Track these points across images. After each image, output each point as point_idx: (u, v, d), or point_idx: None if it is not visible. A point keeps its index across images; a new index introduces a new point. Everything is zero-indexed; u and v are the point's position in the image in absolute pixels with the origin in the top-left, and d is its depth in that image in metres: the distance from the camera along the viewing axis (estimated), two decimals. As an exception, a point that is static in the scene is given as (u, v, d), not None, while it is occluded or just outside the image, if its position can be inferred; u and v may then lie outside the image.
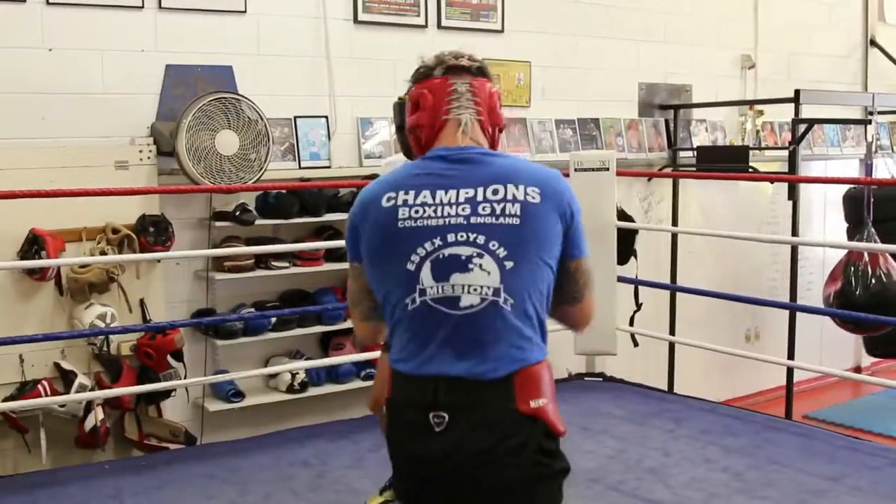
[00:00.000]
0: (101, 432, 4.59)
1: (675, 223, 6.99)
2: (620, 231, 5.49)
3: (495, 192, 2.06)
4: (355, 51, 5.64)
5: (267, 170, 5.00)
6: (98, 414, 4.57)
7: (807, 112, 6.51)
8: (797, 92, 6.37)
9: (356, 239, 2.18)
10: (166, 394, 4.90)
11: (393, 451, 2.20)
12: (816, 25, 8.14)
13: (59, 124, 4.72)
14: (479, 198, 2.06)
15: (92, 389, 4.58)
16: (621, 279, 5.67)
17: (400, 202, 2.09)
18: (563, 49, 6.47)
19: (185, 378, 4.90)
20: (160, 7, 4.97)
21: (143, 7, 4.92)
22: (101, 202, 4.55)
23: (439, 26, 5.96)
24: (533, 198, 2.07)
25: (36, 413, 4.49)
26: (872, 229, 5.97)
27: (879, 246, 5.92)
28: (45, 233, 4.44)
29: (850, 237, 6.68)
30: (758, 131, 7.43)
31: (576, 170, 5.19)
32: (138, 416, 4.87)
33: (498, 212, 2.05)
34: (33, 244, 4.44)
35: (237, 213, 5.05)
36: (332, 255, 5.31)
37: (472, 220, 2.04)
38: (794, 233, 6.51)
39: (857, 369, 8.35)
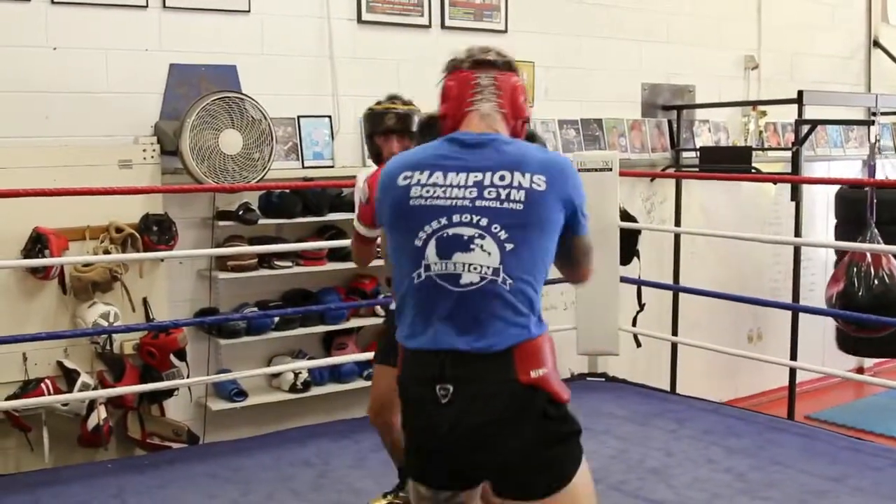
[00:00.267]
0: (104, 431, 4.60)
1: (677, 224, 6.99)
2: (623, 231, 5.49)
3: (502, 177, 2.17)
4: (359, 50, 5.64)
5: (270, 169, 5.00)
6: (101, 413, 4.57)
7: (810, 113, 6.50)
8: (800, 93, 6.37)
9: (379, 211, 2.36)
10: (169, 393, 4.90)
11: (404, 426, 2.30)
12: (819, 26, 8.13)
13: (63, 123, 4.72)
14: (487, 182, 2.17)
15: (95, 388, 4.58)
16: (624, 279, 5.67)
17: (414, 181, 2.22)
18: (567, 49, 6.47)
19: (187, 377, 4.91)
20: (164, 6, 4.98)
21: (147, 6, 4.93)
22: (105, 201, 4.56)
23: (443, 26, 5.96)
24: (538, 185, 2.17)
25: (39, 412, 4.49)
26: (875, 230, 5.97)
27: (882, 247, 5.92)
28: (48, 231, 4.44)
29: (839, 236, 6.69)
30: (761, 132, 7.43)
31: (579, 170, 5.15)
32: (141, 415, 4.87)
33: (503, 196, 2.15)
34: (37, 243, 4.44)
35: (240, 213, 5.05)
36: (334, 254, 5.32)
37: (478, 202, 2.15)
38: (797, 233, 6.51)
39: (860, 370, 8.34)
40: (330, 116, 5.55)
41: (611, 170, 5.24)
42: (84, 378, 4.55)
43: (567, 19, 6.51)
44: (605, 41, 6.70)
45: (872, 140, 6.33)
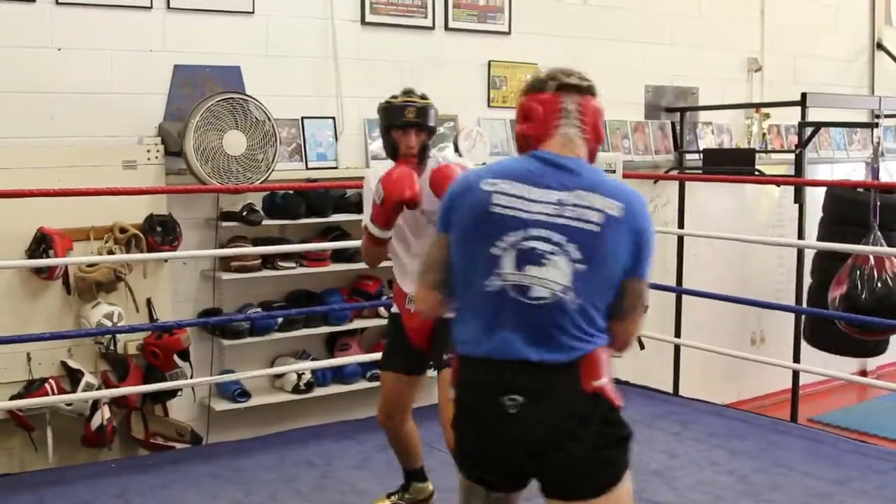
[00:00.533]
0: (108, 431, 4.60)
1: (681, 226, 6.99)
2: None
3: (581, 197, 2.23)
4: (362, 52, 5.64)
5: (274, 170, 5.01)
6: (104, 413, 4.57)
7: (813, 115, 6.50)
8: (804, 95, 6.37)
9: (450, 211, 2.36)
10: (172, 393, 4.90)
11: (458, 429, 2.35)
12: (823, 28, 8.13)
13: (68, 124, 4.73)
14: (566, 201, 2.23)
15: (98, 388, 4.59)
16: (627, 281, 5.65)
17: (498, 189, 2.26)
18: (570, 51, 6.46)
19: (191, 378, 4.91)
20: (168, 7, 4.98)
21: (151, 7, 4.94)
22: (109, 201, 4.57)
23: (446, 28, 5.97)
24: (614, 211, 2.23)
25: (43, 411, 4.50)
26: (879, 233, 5.97)
27: (886, 249, 5.91)
28: (53, 232, 4.45)
29: (823, 231, 6.68)
30: (764, 134, 7.43)
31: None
32: (144, 416, 4.88)
33: (580, 217, 2.21)
34: (41, 243, 4.45)
35: (244, 214, 5.06)
36: (338, 255, 5.32)
37: (556, 220, 2.21)
38: (800, 236, 6.50)
39: (863, 373, 8.33)
40: (334, 117, 5.55)
41: (614, 172, 5.23)
42: (88, 378, 4.55)
43: (570, 21, 6.52)
44: (609, 43, 6.70)
45: (876, 142, 6.32)
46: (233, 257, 5.06)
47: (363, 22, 5.65)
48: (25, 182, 4.21)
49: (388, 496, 3.86)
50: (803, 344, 6.47)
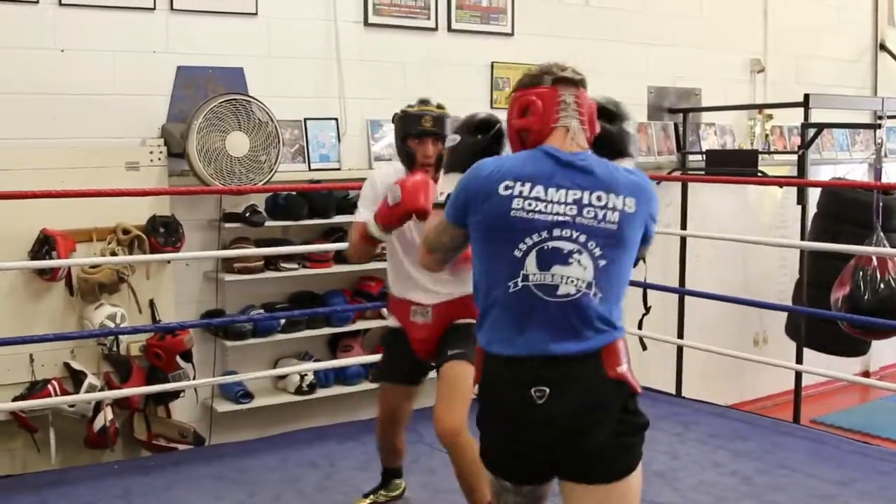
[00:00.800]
0: (110, 432, 4.60)
1: (683, 227, 6.98)
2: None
3: (599, 198, 2.31)
4: (365, 53, 5.65)
5: (277, 171, 5.01)
6: (107, 414, 4.58)
7: (816, 116, 6.50)
8: (806, 96, 6.36)
9: (465, 206, 2.40)
10: (175, 394, 4.91)
11: (486, 427, 2.42)
12: (825, 29, 8.13)
13: (71, 125, 4.74)
14: (585, 201, 2.30)
15: (101, 389, 4.59)
16: (630, 282, 5.66)
17: (516, 192, 2.31)
18: (573, 52, 6.44)
19: (193, 379, 4.91)
20: (172, 9, 4.99)
21: (154, 9, 4.94)
22: (112, 203, 4.57)
23: (449, 29, 5.97)
24: (630, 208, 2.33)
25: (45, 413, 4.50)
26: (881, 234, 5.96)
27: (889, 251, 5.91)
28: (55, 233, 4.46)
29: (815, 228, 6.68)
30: (767, 135, 7.43)
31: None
32: (147, 417, 4.88)
33: (600, 217, 2.30)
34: (44, 244, 4.45)
35: (247, 215, 5.06)
36: (341, 257, 5.31)
37: (577, 220, 2.29)
38: (803, 237, 6.50)
39: (866, 374, 8.33)
40: (336, 119, 5.56)
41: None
42: (90, 379, 4.56)
43: (573, 22, 6.52)
44: (612, 44, 6.70)
45: (878, 143, 6.32)
46: (235, 258, 5.06)
47: (366, 23, 5.65)
48: (28, 183, 4.21)
49: (366, 496, 3.90)
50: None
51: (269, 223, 5.13)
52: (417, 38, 5.85)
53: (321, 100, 5.53)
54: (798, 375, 6.38)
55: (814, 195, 6.72)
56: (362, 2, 5.62)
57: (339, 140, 5.55)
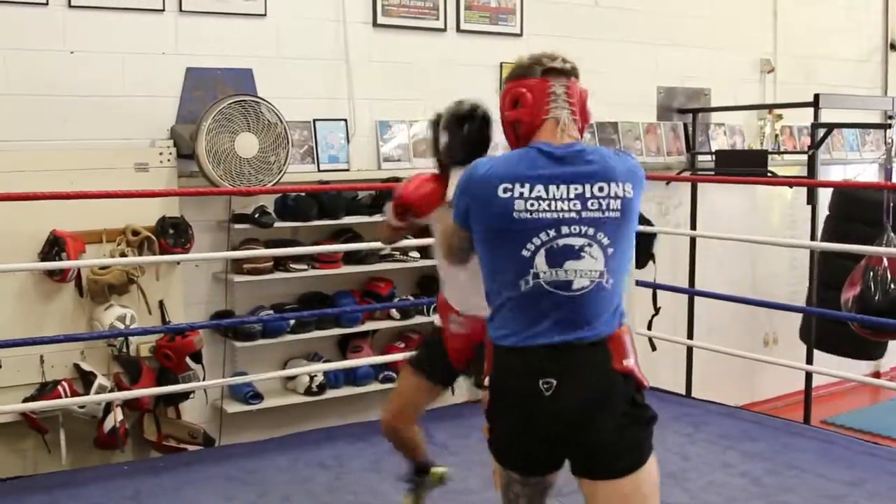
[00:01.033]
0: (120, 433, 4.61)
1: (693, 227, 6.97)
2: (639, 235, 5.43)
3: (601, 189, 2.33)
4: (374, 54, 5.65)
5: (286, 172, 5.01)
6: (117, 415, 4.59)
7: (826, 116, 6.48)
8: (816, 96, 6.34)
9: (468, 211, 2.41)
10: (185, 395, 4.91)
11: (495, 420, 2.45)
12: (835, 29, 8.10)
13: (80, 126, 4.75)
14: (588, 194, 2.31)
15: (111, 391, 4.60)
16: (639, 283, 5.66)
17: (516, 194, 2.31)
18: (582, 53, 6.41)
19: (203, 380, 4.92)
20: (181, 10, 5.00)
21: (163, 10, 4.95)
22: (122, 204, 4.59)
23: (458, 30, 5.97)
24: (629, 193, 2.36)
25: (56, 414, 4.52)
26: (892, 234, 5.94)
27: (892, 251, 5.88)
28: (65, 234, 4.47)
29: (828, 229, 6.66)
30: (776, 135, 7.41)
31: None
32: (157, 418, 4.89)
33: (604, 207, 2.32)
34: (54, 246, 4.47)
35: (256, 216, 5.07)
36: (350, 257, 5.33)
37: (583, 214, 2.31)
38: (813, 237, 6.48)
39: (876, 374, 8.30)
40: (346, 120, 5.56)
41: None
42: (101, 380, 4.57)
43: (582, 22, 6.51)
44: (621, 44, 6.70)
45: (889, 143, 6.30)
46: (245, 259, 5.07)
47: (375, 24, 5.65)
48: (38, 185, 4.22)
49: (408, 494, 3.75)
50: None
51: (278, 224, 5.14)
52: (426, 38, 5.85)
53: (330, 101, 5.54)
54: (808, 376, 6.37)
55: (824, 196, 6.70)
56: (371, 3, 5.62)
57: (348, 141, 5.55)
